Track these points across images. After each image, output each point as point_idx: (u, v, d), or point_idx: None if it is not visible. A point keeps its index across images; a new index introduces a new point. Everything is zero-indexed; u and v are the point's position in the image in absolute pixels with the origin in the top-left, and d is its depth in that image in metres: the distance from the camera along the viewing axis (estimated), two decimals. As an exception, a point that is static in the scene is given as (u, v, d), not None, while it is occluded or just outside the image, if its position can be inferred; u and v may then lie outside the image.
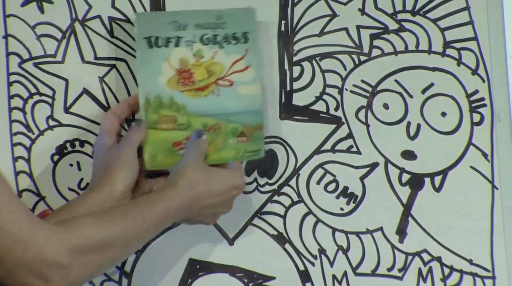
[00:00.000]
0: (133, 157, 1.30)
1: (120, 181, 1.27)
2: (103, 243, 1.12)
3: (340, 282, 1.41)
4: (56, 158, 1.39)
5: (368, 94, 1.42)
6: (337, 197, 1.42)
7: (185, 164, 1.27)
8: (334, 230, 1.41)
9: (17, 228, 1.05)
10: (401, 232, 1.42)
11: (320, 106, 1.42)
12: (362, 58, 1.42)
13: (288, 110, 1.42)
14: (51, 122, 1.40)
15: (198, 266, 1.40)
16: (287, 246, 1.41)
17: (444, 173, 1.42)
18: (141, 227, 1.18)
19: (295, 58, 1.42)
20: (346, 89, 1.42)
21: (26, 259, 1.04)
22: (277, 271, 1.41)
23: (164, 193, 1.23)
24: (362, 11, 1.42)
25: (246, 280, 1.40)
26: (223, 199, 1.28)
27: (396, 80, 1.42)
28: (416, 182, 1.42)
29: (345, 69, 1.42)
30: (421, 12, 1.42)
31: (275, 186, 1.41)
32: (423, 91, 1.42)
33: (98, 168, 1.31)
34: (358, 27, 1.42)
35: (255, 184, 1.41)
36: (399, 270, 1.41)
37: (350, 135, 1.42)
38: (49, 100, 1.40)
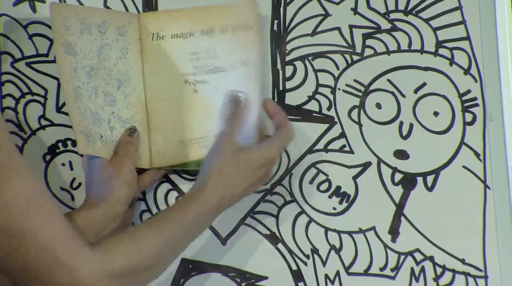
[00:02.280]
0: (132, 171, 1.29)
1: (122, 198, 1.27)
2: (142, 266, 1.11)
3: (332, 282, 1.41)
4: (48, 157, 1.39)
5: (360, 94, 1.42)
6: (330, 197, 1.42)
7: (210, 159, 1.24)
8: (326, 229, 1.41)
9: (62, 249, 1.04)
10: (394, 231, 1.42)
11: (312, 106, 1.42)
12: (355, 57, 1.42)
13: (281, 110, 1.42)
14: (43, 122, 1.39)
15: (190, 266, 1.40)
16: (280, 245, 1.41)
17: (436, 172, 1.42)
18: (177, 242, 1.18)
19: (287, 58, 1.42)
20: (339, 89, 1.42)
21: (65, 282, 1.04)
22: (269, 270, 1.41)
23: (193, 200, 1.20)
24: (355, 10, 1.43)
25: (238, 280, 1.40)
26: (255, 178, 1.25)
27: (388, 80, 1.42)
28: (408, 182, 1.42)
29: (338, 68, 1.42)
30: (413, 12, 1.43)
31: (268, 186, 1.41)
32: (416, 91, 1.42)
33: (94, 182, 1.29)
34: (351, 27, 1.42)
35: (247, 184, 1.41)
36: (392, 270, 1.41)
37: (342, 134, 1.42)
38: (41, 99, 1.39)
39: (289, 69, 1.42)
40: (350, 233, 1.41)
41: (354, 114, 1.42)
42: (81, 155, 1.37)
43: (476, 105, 1.43)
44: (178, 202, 1.22)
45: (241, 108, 1.28)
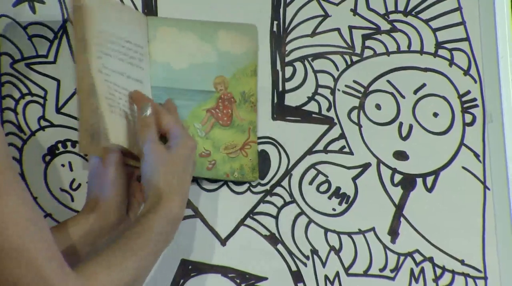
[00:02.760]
0: (119, 179, 1.28)
1: (113, 206, 1.27)
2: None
3: (332, 283, 1.41)
4: (47, 158, 1.39)
5: (360, 95, 1.42)
6: (330, 198, 1.42)
7: (151, 171, 1.25)
8: (326, 230, 1.41)
9: (51, 273, 1.04)
10: (393, 232, 1.42)
11: (312, 107, 1.42)
12: (354, 58, 1.42)
13: (281, 111, 1.42)
14: (43, 123, 1.39)
15: (190, 267, 1.40)
16: (280, 246, 1.41)
17: (436, 173, 1.42)
18: (149, 259, 1.18)
19: (287, 59, 1.42)
20: (339, 90, 1.42)
21: None
22: (269, 271, 1.40)
23: (155, 213, 1.21)
24: (354, 11, 1.43)
25: (238, 281, 1.40)
26: (191, 168, 1.27)
27: (388, 81, 1.42)
28: (408, 182, 1.42)
29: (337, 69, 1.42)
30: (413, 13, 1.43)
31: (268, 187, 1.41)
32: (415, 92, 1.42)
33: (92, 185, 1.30)
34: (350, 28, 1.42)
35: (247, 185, 1.41)
36: (391, 271, 1.41)
37: (342, 135, 1.42)
38: (41, 100, 1.39)
39: (288, 70, 1.42)
40: (349, 234, 1.41)
41: (354, 115, 1.42)
42: (83, 156, 1.38)
43: (476, 106, 1.43)
44: (140, 218, 1.22)
45: (152, 114, 1.29)
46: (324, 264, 1.41)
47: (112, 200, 1.28)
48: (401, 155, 1.42)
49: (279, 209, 1.41)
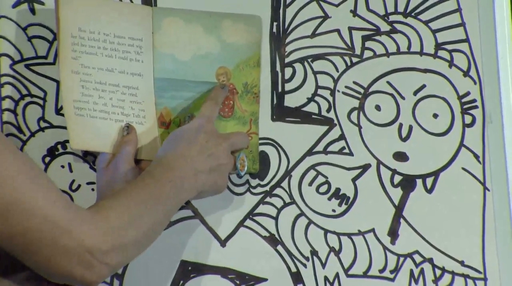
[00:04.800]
0: (133, 170, 1.29)
1: None
2: (130, 218, 1.14)
3: (332, 284, 1.41)
4: (47, 159, 1.39)
5: (360, 96, 1.42)
6: (329, 199, 1.42)
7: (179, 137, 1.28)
8: (326, 231, 1.41)
9: (61, 218, 1.07)
10: (393, 233, 1.42)
11: (312, 108, 1.42)
12: (354, 59, 1.42)
13: (280, 112, 1.42)
14: (42, 124, 1.39)
15: (190, 268, 1.40)
16: (279, 247, 1.41)
17: (436, 174, 1.42)
18: (152, 195, 1.20)
19: (287, 60, 1.42)
20: (338, 91, 1.42)
21: (70, 248, 1.07)
22: (269, 272, 1.40)
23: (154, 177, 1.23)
24: (354, 12, 1.43)
25: (238, 282, 1.40)
26: (198, 149, 1.27)
27: (388, 82, 1.42)
28: (408, 183, 1.42)
29: (337, 70, 1.42)
30: (412, 14, 1.43)
31: (267, 188, 1.41)
32: (415, 93, 1.42)
33: (101, 184, 1.30)
34: (350, 29, 1.42)
35: (247, 186, 1.41)
36: (391, 272, 1.41)
37: (342, 136, 1.42)
38: (41, 101, 1.39)
39: (288, 71, 1.42)
40: (349, 235, 1.41)
41: (354, 116, 1.42)
42: (85, 156, 1.38)
43: (476, 107, 1.43)
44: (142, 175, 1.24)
45: (224, 94, 1.33)
46: (323, 265, 1.41)
47: None
48: (401, 156, 1.42)
49: (279, 210, 1.41)
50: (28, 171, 1.07)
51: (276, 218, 1.41)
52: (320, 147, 1.42)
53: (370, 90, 1.42)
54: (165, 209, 1.20)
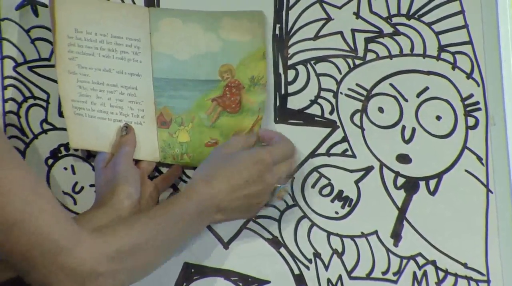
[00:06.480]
0: (132, 170, 1.30)
1: (125, 199, 1.27)
2: (133, 248, 1.14)
3: (335, 286, 1.41)
4: (50, 161, 1.39)
5: (363, 98, 1.42)
6: (332, 201, 1.42)
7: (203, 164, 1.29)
8: (329, 233, 1.41)
9: (62, 237, 1.07)
10: (396, 235, 1.42)
11: (315, 110, 1.42)
12: (357, 61, 1.42)
13: (283, 114, 1.42)
14: (46, 126, 1.40)
15: (193, 270, 1.40)
16: (282, 249, 1.41)
17: (439, 176, 1.42)
18: (169, 229, 1.20)
19: (289, 62, 1.42)
20: (341, 93, 1.42)
21: (67, 266, 1.07)
22: (272, 275, 1.41)
23: (186, 197, 1.24)
24: (357, 14, 1.42)
25: (241, 284, 1.40)
26: (252, 180, 1.28)
27: (391, 84, 1.42)
28: (411, 186, 1.42)
29: (340, 72, 1.42)
30: (415, 16, 1.42)
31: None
32: (418, 95, 1.42)
33: (100, 184, 1.31)
34: (353, 31, 1.42)
35: (250, 188, 1.41)
36: (394, 274, 1.41)
37: (345, 139, 1.42)
38: (44, 104, 1.40)
39: (291, 73, 1.42)
40: (352, 237, 1.41)
41: (357, 118, 1.42)
42: (88, 158, 1.38)
43: (479, 109, 1.42)
44: (173, 197, 1.25)
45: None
46: (326, 268, 1.41)
47: (122, 193, 1.28)
48: (404, 158, 1.42)
49: (282, 212, 1.41)
50: (33, 187, 1.07)
51: (279, 220, 1.41)
52: (323, 149, 1.42)
53: (373, 92, 1.42)
54: (171, 241, 1.22)
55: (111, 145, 1.34)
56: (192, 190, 1.25)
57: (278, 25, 1.42)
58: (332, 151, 1.42)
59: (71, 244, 1.07)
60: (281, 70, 1.42)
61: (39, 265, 1.07)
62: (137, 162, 1.35)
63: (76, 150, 1.39)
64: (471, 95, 1.43)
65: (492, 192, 1.42)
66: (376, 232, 1.41)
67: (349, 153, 1.42)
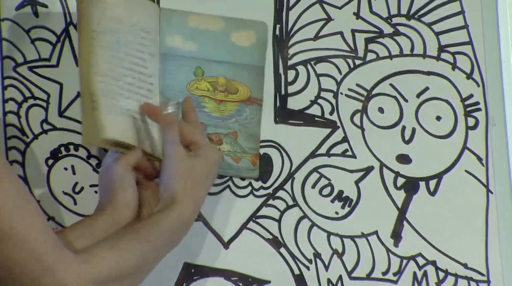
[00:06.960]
0: (128, 179, 1.28)
1: (123, 207, 1.26)
2: (125, 273, 1.13)
3: (335, 286, 1.41)
4: (50, 162, 1.39)
5: (363, 98, 1.42)
6: (332, 201, 1.42)
7: (170, 172, 1.25)
8: (329, 234, 1.41)
9: (47, 256, 1.06)
10: (396, 236, 1.42)
11: (315, 110, 1.42)
12: (357, 62, 1.42)
13: (283, 115, 1.42)
14: (46, 126, 1.39)
15: (193, 270, 1.40)
16: (282, 250, 1.41)
17: (439, 177, 1.42)
18: (158, 253, 1.19)
19: (290, 62, 1.42)
20: (341, 93, 1.42)
21: None
22: (272, 275, 1.40)
23: (165, 214, 1.22)
24: (357, 15, 1.43)
25: (241, 284, 1.40)
26: (210, 177, 1.28)
27: (391, 84, 1.42)
28: (411, 186, 1.42)
29: (340, 73, 1.42)
30: (416, 16, 1.43)
31: (270, 190, 1.41)
32: (418, 95, 1.42)
33: (101, 187, 1.30)
34: (353, 31, 1.42)
35: (250, 188, 1.41)
36: (394, 274, 1.41)
37: (345, 139, 1.42)
38: (44, 104, 1.39)
39: (291, 74, 1.42)
40: (352, 238, 1.41)
41: (357, 118, 1.42)
42: (88, 158, 1.38)
43: (479, 109, 1.43)
44: (151, 216, 1.23)
45: (175, 110, 1.29)
46: (327, 268, 1.41)
47: (120, 202, 1.27)
48: (404, 158, 1.42)
49: (282, 213, 1.41)
50: (23, 204, 1.06)
51: (279, 221, 1.41)
52: (323, 149, 1.42)
53: (373, 92, 1.42)
54: (157, 261, 1.21)
55: (134, 139, 1.31)
56: (170, 208, 1.23)
57: (278, 26, 1.42)
58: (332, 151, 1.42)
59: (57, 265, 1.06)
60: (281, 71, 1.42)
61: (22, 283, 1.05)
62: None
63: (76, 150, 1.39)
64: (471, 96, 1.43)
65: (492, 192, 1.42)
66: (376, 232, 1.42)
67: (349, 153, 1.42)
